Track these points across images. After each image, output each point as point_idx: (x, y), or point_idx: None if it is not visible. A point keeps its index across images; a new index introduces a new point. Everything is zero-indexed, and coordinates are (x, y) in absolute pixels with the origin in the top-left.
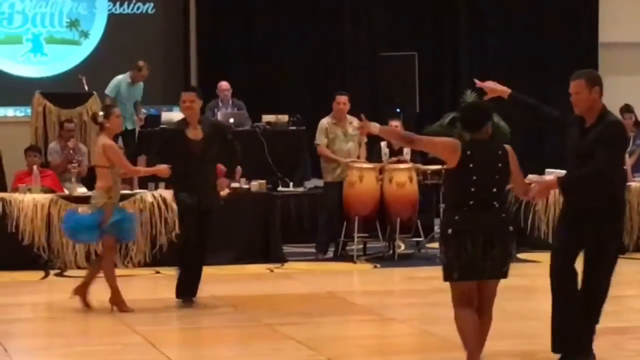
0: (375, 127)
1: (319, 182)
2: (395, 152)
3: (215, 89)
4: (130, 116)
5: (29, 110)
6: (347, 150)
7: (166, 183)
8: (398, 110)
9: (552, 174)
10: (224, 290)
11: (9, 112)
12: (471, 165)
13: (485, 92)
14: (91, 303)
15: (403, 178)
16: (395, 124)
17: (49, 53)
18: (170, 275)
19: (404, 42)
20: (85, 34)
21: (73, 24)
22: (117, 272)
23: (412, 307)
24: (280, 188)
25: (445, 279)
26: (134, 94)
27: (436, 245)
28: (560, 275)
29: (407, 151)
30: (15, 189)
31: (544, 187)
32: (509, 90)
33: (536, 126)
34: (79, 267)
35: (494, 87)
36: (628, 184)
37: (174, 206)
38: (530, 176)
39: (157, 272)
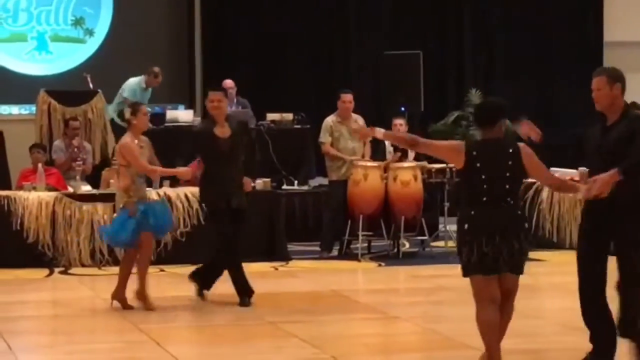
0: (379, 132)
1: (324, 181)
2: (400, 150)
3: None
4: None
5: (33, 108)
6: (351, 149)
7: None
8: (403, 109)
9: (557, 173)
10: (228, 288)
11: (14, 110)
12: (478, 164)
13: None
14: (131, 303)
15: (408, 176)
16: (400, 122)
17: (54, 51)
18: (174, 273)
19: (409, 41)
20: (90, 32)
21: (78, 22)
22: None
23: (416, 305)
24: (284, 186)
25: (464, 274)
26: (144, 99)
27: (440, 243)
28: (592, 286)
29: None
30: (20, 187)
31: (606, 180)
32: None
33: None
34: (83, 265)
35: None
36: None
37: (179, 204)
38: (552, 169)
39: (162, 270)
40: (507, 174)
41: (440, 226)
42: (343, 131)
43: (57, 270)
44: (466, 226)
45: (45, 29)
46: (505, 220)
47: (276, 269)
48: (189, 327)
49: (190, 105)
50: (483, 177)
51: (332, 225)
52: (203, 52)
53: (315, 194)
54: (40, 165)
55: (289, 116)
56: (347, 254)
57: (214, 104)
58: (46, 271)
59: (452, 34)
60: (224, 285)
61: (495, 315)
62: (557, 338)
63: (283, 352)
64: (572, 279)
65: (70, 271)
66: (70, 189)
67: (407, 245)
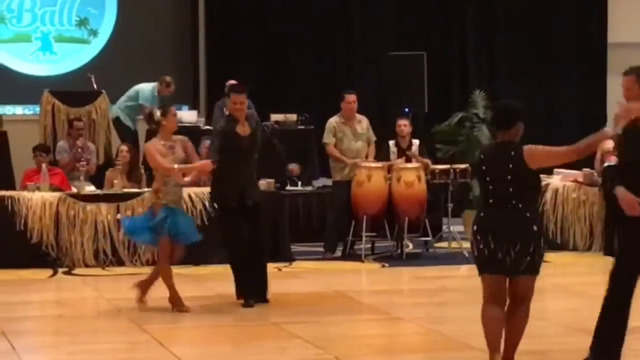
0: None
1: (328, 181)
2: (403, 150)
3: (223, 87)
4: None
5: (37, 109)
6: (355, 149)
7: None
8: (406, 109)
9: (561, 175)
10: (231, 288)
11: (18, 110)
12: (484, 167)
13: None
14: (146, 302)
15: (411, 177)
16: (404, 123)
17: (58, 51)
18: (178, 273)
19: (413, 42)
20: (94, 33)
21: (82, 22)
22: (125, 270)
23: (419, 306)
24: (288, 187)
25: (478, 273)
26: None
27: (444, 244)
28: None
29: (414, 148)
30: (23, 187)
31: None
32: None
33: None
34: (87, 265)
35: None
36: None
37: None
38: (556, 170)
39: None
40: (509, 177)
41: (444, 227)
42: (347, 132)
43: (60, 270)
44: (475, 227)
45: (49, 30)
46: (511, 222)
47: (280, 269)
48: (192, 328)
49: (194, 105)
50: (488, 179)
51: (335, 225)
52: (207, 53)
53: (319, 194)
54: (44, 165)
55: (293, 117)
56: (350, 255)
57: (237, 106)
58: (50, 271)
59: (455, 35)
60: (225, 286)
61: (498, 314)
62: (561, 339)
63: (286, 352)
64: (575, 280)
65: (74, 271)
66: (74, 189)
67: (411, 246)
